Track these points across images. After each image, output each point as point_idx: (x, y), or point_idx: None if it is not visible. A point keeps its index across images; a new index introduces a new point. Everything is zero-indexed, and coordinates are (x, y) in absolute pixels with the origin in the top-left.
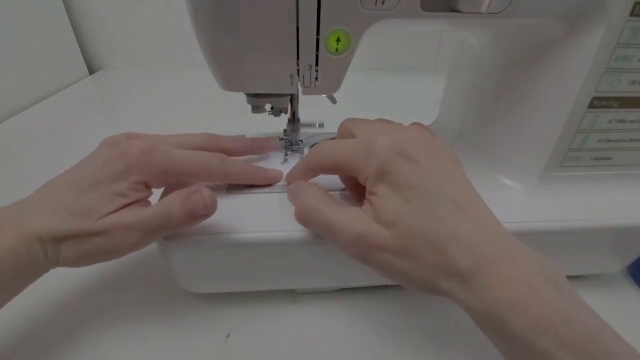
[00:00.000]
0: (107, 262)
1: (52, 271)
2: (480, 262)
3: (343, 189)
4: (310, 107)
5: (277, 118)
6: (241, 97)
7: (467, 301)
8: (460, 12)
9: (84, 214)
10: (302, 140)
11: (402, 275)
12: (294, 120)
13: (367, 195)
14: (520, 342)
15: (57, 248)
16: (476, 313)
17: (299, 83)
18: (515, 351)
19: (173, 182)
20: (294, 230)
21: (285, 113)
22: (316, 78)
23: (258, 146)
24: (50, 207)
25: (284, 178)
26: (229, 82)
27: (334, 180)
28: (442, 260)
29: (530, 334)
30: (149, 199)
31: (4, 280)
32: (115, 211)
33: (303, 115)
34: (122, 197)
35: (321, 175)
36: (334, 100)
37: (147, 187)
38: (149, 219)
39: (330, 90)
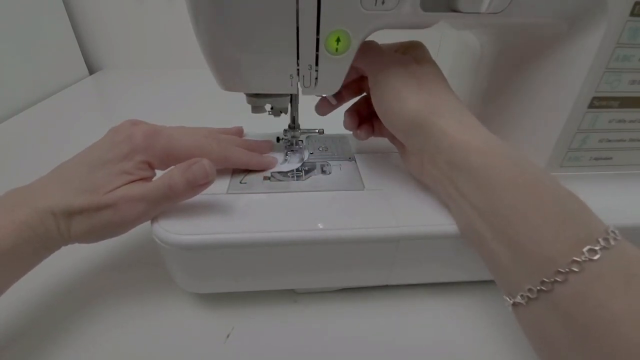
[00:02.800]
0: (107, 262)
1: (54, 269)
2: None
3: None
4: (310, 107)
5: (277, 118)
6: (241, 97)
7: (447, 129)
8: (460, 12)
9: (93, 190)
10: (302, 140)
11: (403, 96)
12: (293, 126)
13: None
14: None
15: (68, 223)
16: (448, 141)
17: (299, 83)
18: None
19: (175, 164)
20: (294, 230)
21: (285, 113)
22: (316, 78)
23: (254, 147)
24: (62, 185)
25: None
26: (229, 82)
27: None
28: (439, 99)
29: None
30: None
31: (21, 252)
32: (121, 186)
33: (303, 115)
34: (128, 175)
35: None
36: (333, 101)
37: (151, 167)
38: (153, 190)
39: (330, 90)
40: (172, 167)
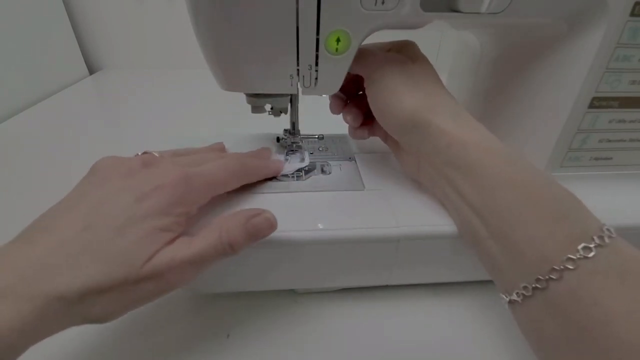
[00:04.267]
0: None
1: None
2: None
3: None
4: (310, 107)
5: (277, 118)
6: (241, 97)
7: (444, 127)
8: (460, 12)
9: (126, 261)
10: (302, 140)
11: (399, 95)
12: (293, 132)
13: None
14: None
15: (89, 305)
16: (446, 137)
17: (299, 83)
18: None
19: (208, 198)
20: (294, 230)
21: (285, 113)
22: (316, 78)
23: (257, 157)
24: (75, 258)
25: None
26: (229, 82)
27: None
28: (438, 96)
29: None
30: None
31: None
32: (160, 250)
33: (303, 116)
34: (167, 232)
35: None
36: (342, 96)
37: (188, 216)
38: (207, 250)
39: (330, 90)
40: (222, 220)
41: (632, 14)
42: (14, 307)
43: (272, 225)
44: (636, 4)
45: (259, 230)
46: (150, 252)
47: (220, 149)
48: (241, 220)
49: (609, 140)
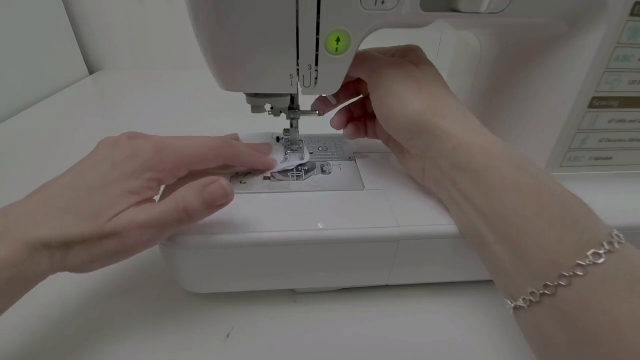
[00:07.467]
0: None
1: (51, 278)
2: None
3: None
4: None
5: (277, 118)
6: (241, 97)
7: (450, 130)
8: (460, 12)
9: (94, 216)
10: (302, 140)
11: (405, 99)
12: (293, 107)
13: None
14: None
15: (65, 254)
16: (452, 142)
17: (299, 83)
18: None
19: (184, 174)
20: (294, 230)
21: (286, 113)
22: (316, 78)
23: (255, 149)
24: (56, 212)
25: None
26: (229, 82)
27: None
28: (442, 100)
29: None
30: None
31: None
32: (125, 210)
33: (303, 117)
34: (134, 195)
35: None
36: (334, 101)
37: (160, 184)
38: (164, 214)
39: (330, 90)
40: (182, 188)
41: (632, 14)
42: (5, 244)
43: (226, 193)
44: (636, 4)
45: (214, 198)
46: (115, 211)
47: (234, 139)
48: (198, 187)
49: (609, 140)
